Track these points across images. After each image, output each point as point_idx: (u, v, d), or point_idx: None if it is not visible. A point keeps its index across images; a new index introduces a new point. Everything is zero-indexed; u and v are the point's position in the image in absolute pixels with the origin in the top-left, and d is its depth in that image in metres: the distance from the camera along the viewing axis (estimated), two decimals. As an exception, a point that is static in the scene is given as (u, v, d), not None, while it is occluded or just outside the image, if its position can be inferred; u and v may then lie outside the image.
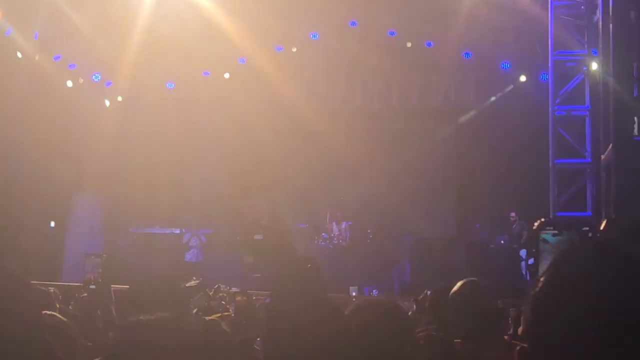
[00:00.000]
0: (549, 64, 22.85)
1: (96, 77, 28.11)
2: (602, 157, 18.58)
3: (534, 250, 3.41)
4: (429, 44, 28.87)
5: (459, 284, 5.60)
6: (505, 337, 5.50)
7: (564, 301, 2.18)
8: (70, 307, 9.86)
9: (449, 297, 5.49)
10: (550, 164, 22.52)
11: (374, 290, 22.30)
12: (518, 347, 4.93)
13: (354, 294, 16.62)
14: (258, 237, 5.29)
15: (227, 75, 30.59)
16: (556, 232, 4.33)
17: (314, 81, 30.92)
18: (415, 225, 25.78)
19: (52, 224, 26.18)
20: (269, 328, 3.38)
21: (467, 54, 28.97)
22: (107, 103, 29.92)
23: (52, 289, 10.25)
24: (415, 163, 29.89)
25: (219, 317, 6.25)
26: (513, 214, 25.71)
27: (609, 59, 17.88)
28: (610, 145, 17.39)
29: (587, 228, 4.46)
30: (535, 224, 4.86)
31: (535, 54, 27.20)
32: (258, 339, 4.33)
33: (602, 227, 5.47)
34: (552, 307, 2.22)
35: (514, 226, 25.54)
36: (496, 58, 29.04)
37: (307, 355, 3.19)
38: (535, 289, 2.29)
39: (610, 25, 17.65)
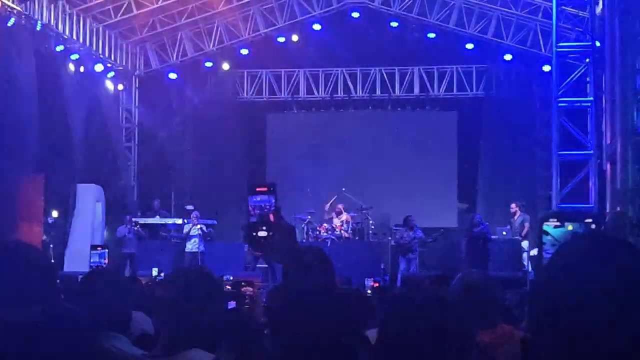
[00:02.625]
0: (553, 56, 22.86)
1: (98, 64, 28.13)
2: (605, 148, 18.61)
3: (537, 241, 3.41)
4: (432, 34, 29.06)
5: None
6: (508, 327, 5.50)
7: (562, 290, 2.20)
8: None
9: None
10: (553, 155, 22.55)
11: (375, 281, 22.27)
12: (521, 336, 4.94)
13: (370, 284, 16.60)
14: (262, 233, 5.31)
15: (226, 67, 30.80)
16: (558, 224, 4.33)
17: (317, 70, 31.16)
18: (416, 216, 25.73)
19: (55, 214, 26.17)
20: (278, 319, 3.39)
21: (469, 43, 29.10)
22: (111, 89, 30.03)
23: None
24: (416, 154, 29.98)
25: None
26: (513, 205, 25.66)
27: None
28: (613, 137, 17.41)
29: (591, 220, 4.45)
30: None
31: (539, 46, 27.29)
32: (265, 330, 4.34)
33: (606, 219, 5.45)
34: (551, 296, 2.24)
35: (515, 217, 25.50)
36: (498, 49, 29.08)
37: (318, 346, 3.21)
38: (536, 279, 2.31)
39: (616, 18, 17.65)
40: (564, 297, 2.19)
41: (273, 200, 5.11)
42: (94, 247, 8.98)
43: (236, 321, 5.10)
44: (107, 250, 9.02)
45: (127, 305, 4.97)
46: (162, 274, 17.79)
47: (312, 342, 3.20)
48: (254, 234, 5.07)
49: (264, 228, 5.05)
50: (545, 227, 4.43)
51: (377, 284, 16.97)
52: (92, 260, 8.66)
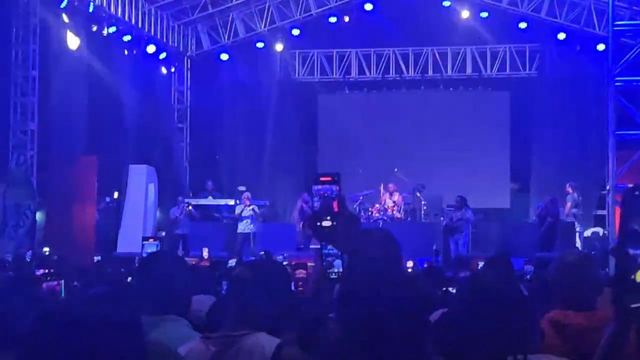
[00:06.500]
0: (610, 34, 22.55)
1: (150, 45, 28.23)
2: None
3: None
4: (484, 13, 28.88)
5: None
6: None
7: None
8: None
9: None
10: (610, 135, 22.29)
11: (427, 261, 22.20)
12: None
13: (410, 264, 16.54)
14: (326, 223, 5.26)
15: (278, 48, 30.83)
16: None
17: (369, 50, 31.14)
18: (468, 197, 25.60)
19: (110, 196, 26.32)
20: (345, 303, 3.32)
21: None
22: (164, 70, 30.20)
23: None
24: (469, 134, 29.84)
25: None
26: (568, 185, 25.41)
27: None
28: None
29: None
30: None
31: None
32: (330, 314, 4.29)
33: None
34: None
35: (567, 197, 25.21)
36: (552, 27, 28.80)
37: (388, 330, 3.15)
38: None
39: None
40: None
41: (337, 190, 5.05)
42: (145, 239, 8.93)
43: (301, 306, 5.07)
44: (159, 242, 8.99)
45: (187, 288, 4.95)
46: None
47: (379, 329, 3.15)
48: (318, 223, 5.01)
49: (328, 217, 4.99)
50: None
51: (429, 265, 16.94)
52: (147, 251, 8.62)
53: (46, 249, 21.33)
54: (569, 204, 24.88)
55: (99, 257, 21.31)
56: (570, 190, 25.13)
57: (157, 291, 4.75)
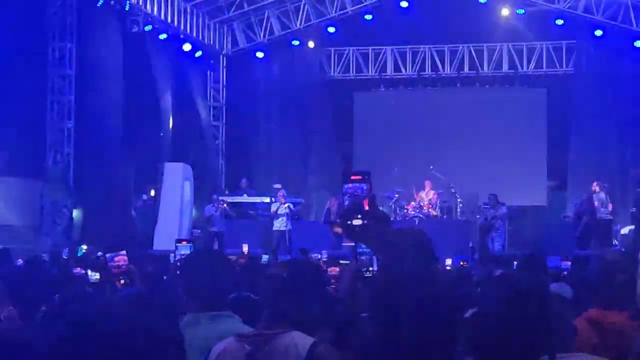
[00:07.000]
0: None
1: (186, 43, 28.35)
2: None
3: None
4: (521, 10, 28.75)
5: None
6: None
7: None
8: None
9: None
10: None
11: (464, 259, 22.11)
12: None
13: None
14: (357, 221, 5.24)
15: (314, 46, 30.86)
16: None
17: (404, 47, 31.11)
18: (505, 194, 25.53)
19: (152, 192, 26.43)
20: (379, 302, 3.32)
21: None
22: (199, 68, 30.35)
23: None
24: (505, 131, 29.71)
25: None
26: (596, 184, 25.21)
27: None
28: None
29: None
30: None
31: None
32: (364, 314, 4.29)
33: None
34: None
35: (592, 196, 25.00)
36: (589, 24, 28.64)
37: (421, 330, 3.15)
38: None
39: None
40: None
41: (367, 188, 5.04)
42: (179, 241, 8.94)
43: (335, 305, 5.07)
44: (192, 244, 8.99)
45: (232, 285, 5.00)
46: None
47: (411, 329, 3.15)
48: (348, 222, 5.00)
49: (359, 216, 4.98)
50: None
51: (465, 263, 16.87)
52: (180, 253, 8.64)
53: (84, 247, 21.45)
54: (596, 203, 24.74)
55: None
56: (597, 189, 24.95)
57: (204, 289, 4.82)
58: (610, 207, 24.98)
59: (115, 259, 8.15)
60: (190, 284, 4.98)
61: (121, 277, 8.43)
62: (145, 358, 2.64)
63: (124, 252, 7.95)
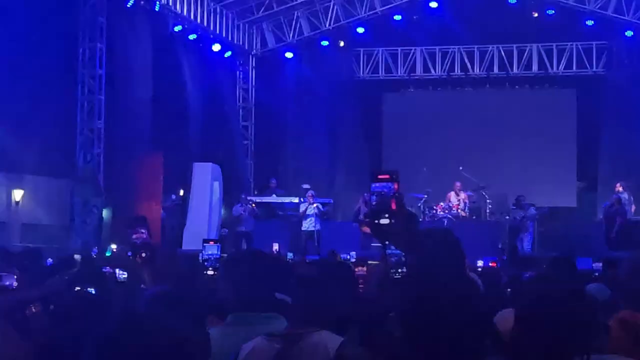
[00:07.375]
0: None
1: (215, 43, 28.46)
2: None
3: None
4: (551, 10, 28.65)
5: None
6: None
7: None
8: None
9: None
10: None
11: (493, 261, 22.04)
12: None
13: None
14: (384, 221, 5.22)
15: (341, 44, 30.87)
16: None
17: (434, 48, 31.08)
18: (534, 195, 25.45)
19: (181, 192, 26.47)
20: (408, 303, 3.31)
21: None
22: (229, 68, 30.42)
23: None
24: (535, 132, 29.61)
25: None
26: (619, 184, 25.10)
27: None
28: None
29: None
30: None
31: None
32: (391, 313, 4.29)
33: None
34: None
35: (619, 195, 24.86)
36: (619, 25, 28.49)
37: (448, 330, 3.14)
38: None
39: None
40: None
41: (395, 188, 5.01)
42: (206, 241, 8.94)
43: (364, 305, 5.07)
44: (219, 244, 9.02)
45: (273, 285, 4.97)
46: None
47: (439, 331, 3.14)
48: (376, 221, 4.98)
49: (386, 215, 4.96)
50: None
51: (494, 264, 16.81)
52: (207, 253, 8.67)
53: (113, 246, 21.52)
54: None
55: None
56: (620, 189, 24.87)
57: (248, 289, 4.79)
58: (633, 208, 24.90)
59: (135, 235, 8.25)
60: (232, 284, 4.93)
61: (142, 251, 8.49)
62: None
63: (144, 230, 8.01)
